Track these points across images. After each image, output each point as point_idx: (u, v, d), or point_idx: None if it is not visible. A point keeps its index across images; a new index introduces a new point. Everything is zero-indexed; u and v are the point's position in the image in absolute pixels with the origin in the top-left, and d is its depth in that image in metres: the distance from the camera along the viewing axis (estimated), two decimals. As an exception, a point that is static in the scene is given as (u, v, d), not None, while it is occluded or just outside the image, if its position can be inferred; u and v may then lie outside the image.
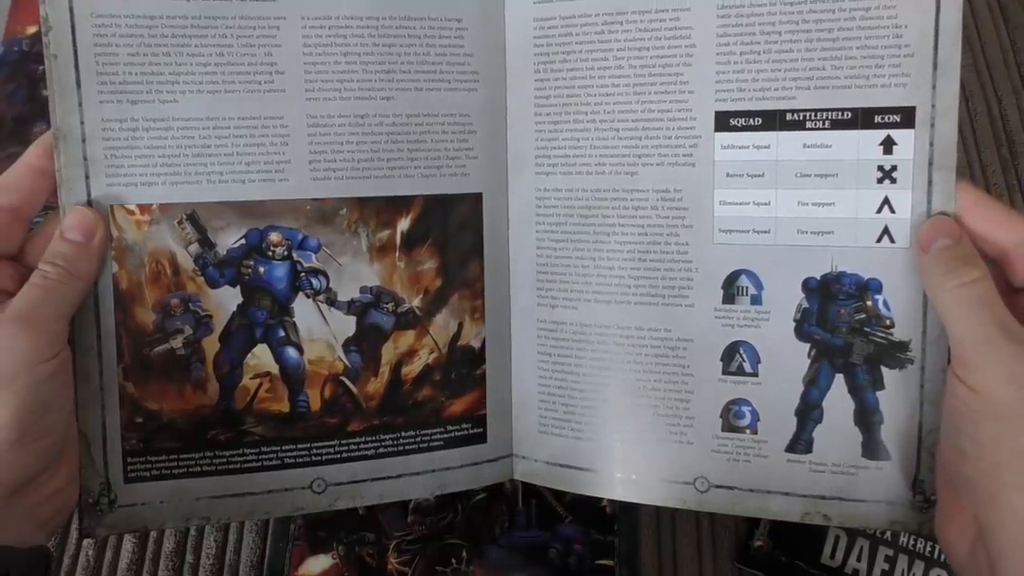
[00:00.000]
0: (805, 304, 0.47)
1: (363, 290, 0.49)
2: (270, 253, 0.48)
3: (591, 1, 0.49)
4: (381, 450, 0.50)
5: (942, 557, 0.57)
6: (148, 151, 0.46)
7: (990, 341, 0.39)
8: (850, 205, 0.46)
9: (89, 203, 0.46)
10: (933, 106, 0.45)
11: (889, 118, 0.45)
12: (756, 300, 0.48)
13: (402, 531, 0.59)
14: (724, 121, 0.48)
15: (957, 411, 0.41)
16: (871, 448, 0.47)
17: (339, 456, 0.50)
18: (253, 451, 0.49)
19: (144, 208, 0.46)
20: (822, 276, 0.47)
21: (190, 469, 0.48)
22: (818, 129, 0.46)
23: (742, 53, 0.47)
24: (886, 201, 0.46)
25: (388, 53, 0.48)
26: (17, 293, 0.43)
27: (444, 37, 0.49)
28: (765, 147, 0.47)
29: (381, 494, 0.51)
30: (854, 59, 0.45)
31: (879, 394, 0.47)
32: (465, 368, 0.51)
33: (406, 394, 0.51)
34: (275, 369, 0.49)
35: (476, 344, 0.52)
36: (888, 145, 0.46)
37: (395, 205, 0.49)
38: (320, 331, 0.49)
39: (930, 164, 0.45)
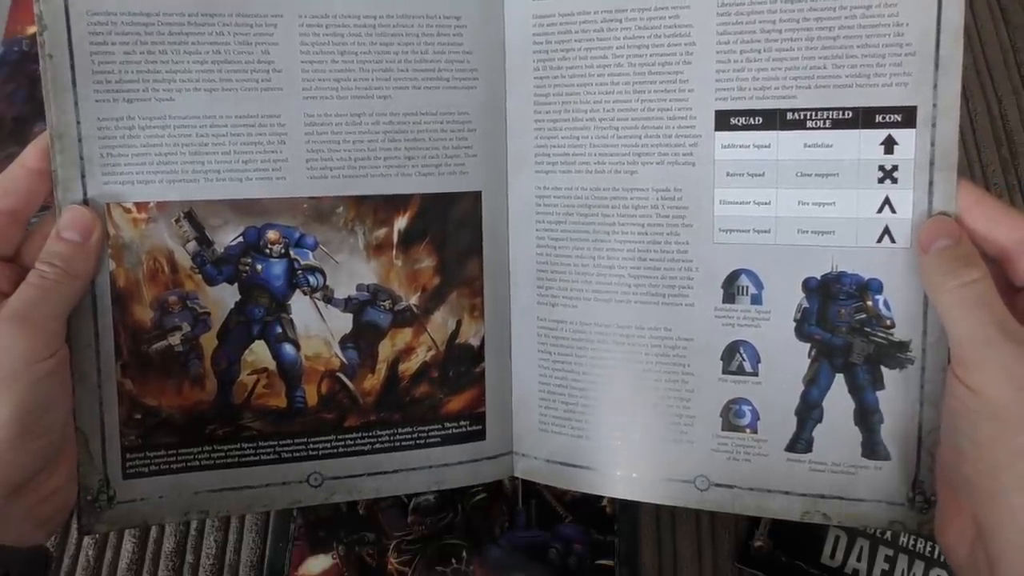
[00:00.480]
0: (805, 304, 0.47)
1: (360, 288, 0.50)
2: (267, 251, 0.48)
3: (590, -1, 0.49)
4: (377, 446, 0.51)
5: (942, 557, 0.57)
6: (145, 149, 0.46)
7: (989, 341, 0.39)
8: (851, 205, 0.46)
9: (85, 202, 0.46)
10: (934, 106, 0.44)
11: (890, 118, 0.45)
12: (756, 300, 0.48)
13: (402, 531, 0.59)
14: (724, 120, 0.47)
15: (956, 411, 0.41)
16: (871, 448, 0.47)
17: (336, 451, 0.50)
18: (251, 446, 0.49)
19: (141, 206, 0.46)
20: (822, 276, 0.47)
21: (188, 464, 0.48)
22: (819, 128, 0.46)
23: (742, 51, 0.47)
24: (887, 201, 0.46)
25: (386, 51, 0.48)
26: (13, 293, 0.43)
27: (443, 35, 0.49)
28: (765, 146, 0.47)
29: (378, 489, 0.51)
30: (855, 58, 0.45)
31: (879, 394, 0.47)
32: (464, 366, 0.52)
33: (403, 391, 0.51)
34: (272, 365, 0.49)
35: (475, 342, 0.52)
36: (889, 145, 0.45)
37: (392, 203, 0.49)
38: (317, 328, 0.49)
39: (931, 164, 0.45)
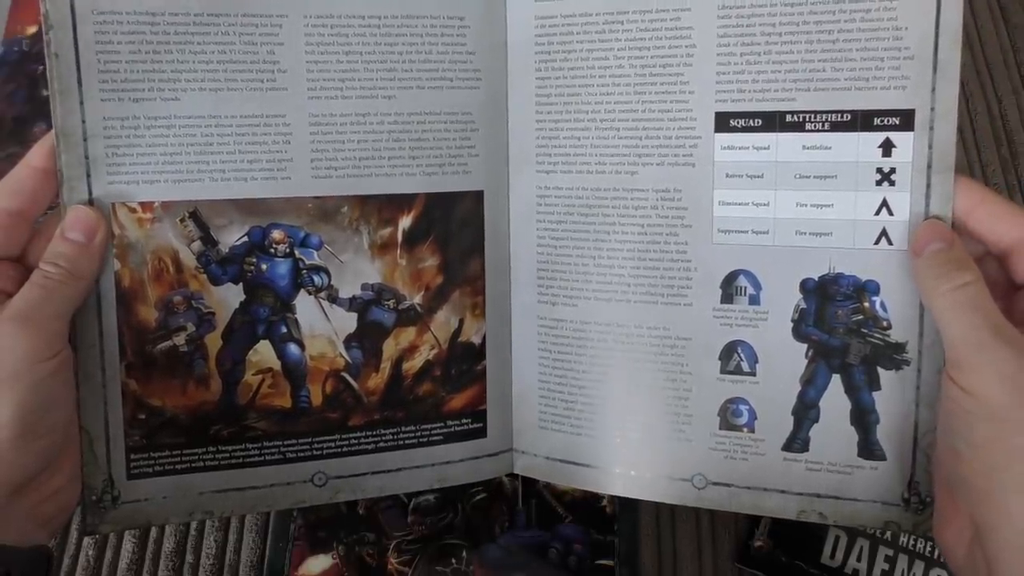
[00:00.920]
0: (803, 305, 0.48)
1: (364, 287, 0.50)
2: (272, 250, 0.48)
3: (592, 0, 0.49)
4: (381, 444, 0.51)
5: (942, 557, 0.57)
6: (150, 149, 0.46)
7: (983, 344, 0.40)
8: (848, 207, 0.46)
9: (91, 202, 0.46)
10: (932, 109, 0.45)
11: (888, 120, 0.46)
12: (754, 300, 0.48)
13: (402, 531, 0.59)
14: (724, 122, 0.48)
15: (952, 413, 0.41)
16: (867, 448, 0.47)
17: (340, 450, 0.50)
18: (255, 446, 0.49)
19: (146, 206, 0.46)
20: (820, 277, 0.47)
21: (193, 464, 0.48)
22: (817, 131, 0.47)
23: (742, 54, 0.47)
24: (884, 203, 0.46)
25: (390, 52, 0.48)
26: (16, 293, 0.43)
27: (446, 36, 0.49)
28: (765, 148, 0.47)
29: (381, 487, 0.51)
30: (854, 61, 0.46)
31: (875, 395, 0.47)
32: (466, 364, 0.52)
33: (407, 389, 0.51)
34: (277, 365, 0.49)
35: (477, 340, 0.52)
36: (887, 147, 0.46)
37: (397, 203, 0.50)
38: (322, 327, 0.50)
39: (929, 167, 0.45)
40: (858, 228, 0.46)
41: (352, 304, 0.50)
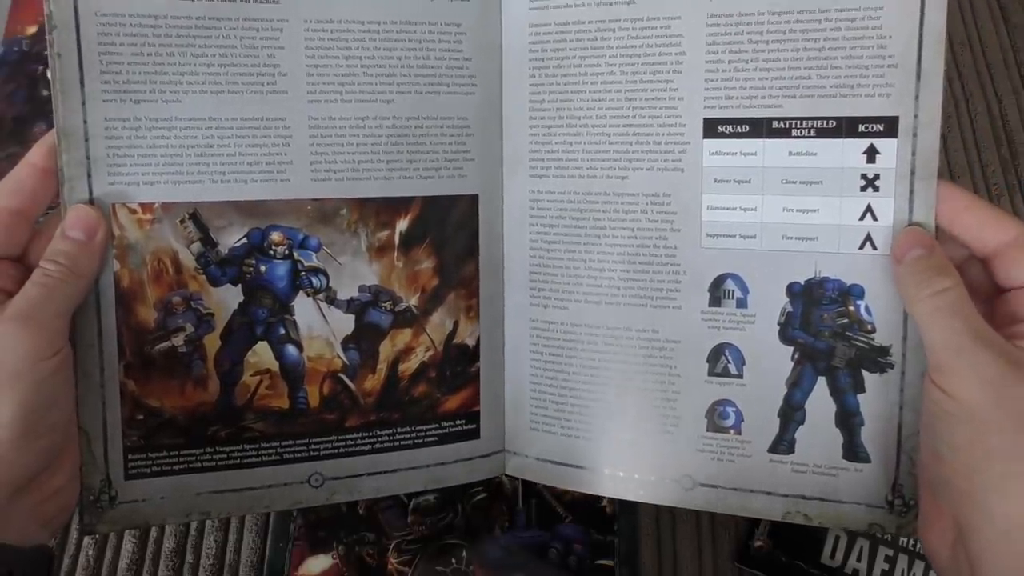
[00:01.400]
0: (789, 308, 0.48)
1: (362, 289, 0.50)
2: (271, 252, 0.49)
3: (585, 8, 0.50)
4: (377, 445, 0.51)
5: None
6: (151, 150, 0.46)
7: (963, 348, 0.40)
8: (834, 212, 0.47)
9: (91, 202, 0.46)
10: (916, 116, 0.45)
11: (873, 127, 0.46)
12: (742, 303, 0.49)
13: (402, 531, 0.59)
14: (712, 128, 0.48)
15: (934, 415, 0.42)
16: (851, 450, 0.48)
17: (336, 451, 0.50)
18: (253, 447, 0.49)
19: (146, 207, 0.47)
20: (806, 281, 0.48)
21: (191, 465, 0.48)
22: (803, 137, 0.47)
23: (730, 61, 0.48)
24: (869, 209, 0.47)
25: (389, 57, 0.49)
26: (17, 293, 0.42)
27: (443, 41, 0.50)
28: (752, 154, 0.48)
29: (377, 488, 0.51)
30: (839, 69, 0.46)
31: (860, 397, 0.48)
32: (460, 365, 0.52)
33: (402, 391, 0.51)
34: (275, 366, 0.49)
35: (471, 342, 0.52)
36: (871, 154, 0.46)
37: (394, 206, 0.50)
38: (320, 329, 0.50)
39: (912, 173, 0.46)
40: (843, 233, 0.47)
41: (350, 306, 0.50)
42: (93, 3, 0.45)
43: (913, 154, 0.46)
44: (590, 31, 0.50)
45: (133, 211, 0.47)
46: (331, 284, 0.50)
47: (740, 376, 0.49)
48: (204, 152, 0.47)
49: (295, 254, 0.49)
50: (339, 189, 0.49)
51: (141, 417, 0.47)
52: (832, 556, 0.59)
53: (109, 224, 0.46)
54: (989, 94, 0.78)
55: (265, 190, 0.48)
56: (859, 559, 0.59)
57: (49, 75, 0.45)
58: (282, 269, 0.49)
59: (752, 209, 0.48)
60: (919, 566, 0.58)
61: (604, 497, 0.56)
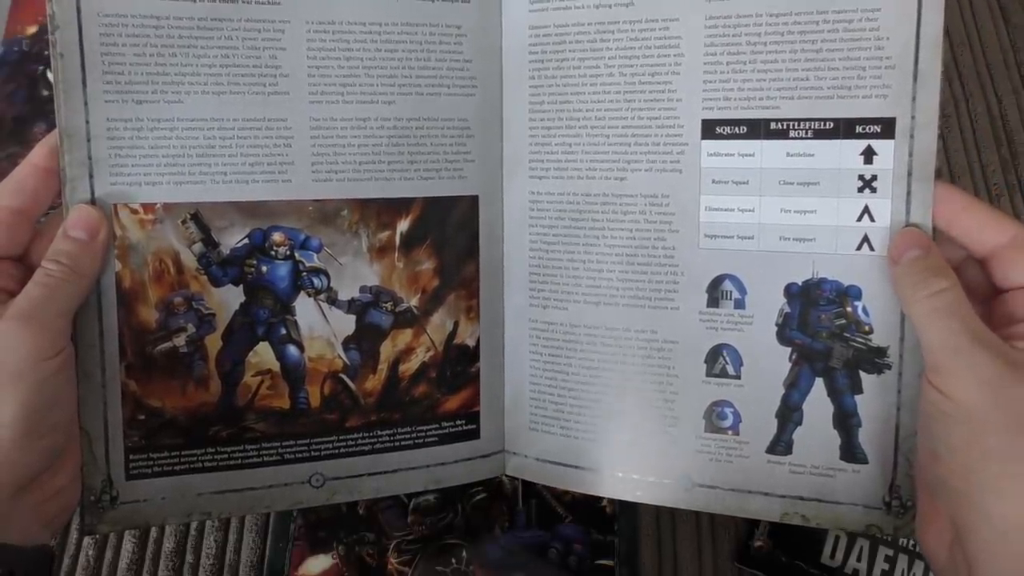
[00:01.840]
0: (787, 309, 0.48)
1: (363, 289, 0.50)
2: (273, 253, 0.49)
3: (584, 10, 0.50)
4: (378, 446, 0.51)
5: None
6: (153, 151, 0.46)
7: (960, 349, 0.40)
8: (831, 213, 0.47)
9: (93, 202, 0.46)
10: (913, 118, 0.46)
11: (870, 128, 0.46)
12: (740, 304, 0.49)
13: (402, 531, 0.59)
14: (710, 129, 0.49)
15: (931, 415, 0.42)
16: (849, 451, 0.48)
17: (337, 452, 0.50)
18: (254, 447, 0.49)
19: (148, 207, 0.47)
20: (804, 282, 0.48)
21: (192, 465, 0.48)
22: (801, 138, 0.47)
23: (729, 63, 0.48)
24: (866, 210, 0.47)
25: (390, 58, 0.49)
26: (19, 292, 0.42)
27: (444, 43, 0.50)
28: (750, 155, 0.48)
29: (377, 488, 0.51)
30: (837, 70, 0.46)
31: (857, 398, 0.48)
32: (460, 366, 0.52)
33: (403, 391, 0.51)
34: (276, 367, 0.49)
35: (471, 342, 0.52)
36: (868, 155, 0.46)
37: (395, 207, 0.50)
38: (321, 329, 0.50)
39: (909, 174, 0.46)
40: (840, 234, 0.47)
41: (351, 306, 0.50)
42: (96, 3, 0.45)
43: (910, 155, 0.46)
44: (589, 33, 0.50)
45: (135, 211, 0.47)
46: (332, 284, 0.50)
47: (738, 377, 0.49)
48: (206, 153, 0.47)
49: (296, 255, 0.49)
50: (340, 190, 0.49)
51: (142, 417, 0.47)
52: (832, 556, 0.59)
53: (111, 224, 0.46)
54: (989, 94, 0.78)
55: (266, 191, 0.48)
56: (859, 559, 0.59)
57: (51, 75, 0.45)
58: (283, 269, 0.49)
59: (750, 210, 0.48)
60: (919, 566, 0.58)
61: (604, 497, 0.56)
